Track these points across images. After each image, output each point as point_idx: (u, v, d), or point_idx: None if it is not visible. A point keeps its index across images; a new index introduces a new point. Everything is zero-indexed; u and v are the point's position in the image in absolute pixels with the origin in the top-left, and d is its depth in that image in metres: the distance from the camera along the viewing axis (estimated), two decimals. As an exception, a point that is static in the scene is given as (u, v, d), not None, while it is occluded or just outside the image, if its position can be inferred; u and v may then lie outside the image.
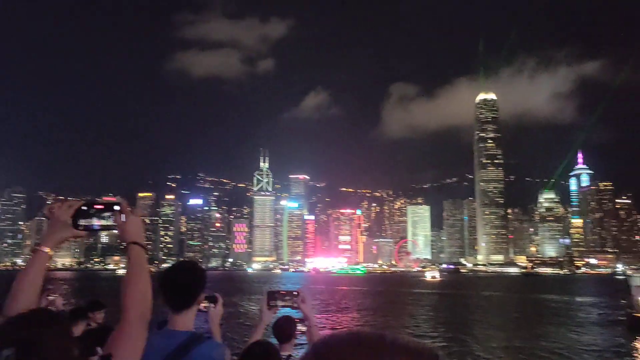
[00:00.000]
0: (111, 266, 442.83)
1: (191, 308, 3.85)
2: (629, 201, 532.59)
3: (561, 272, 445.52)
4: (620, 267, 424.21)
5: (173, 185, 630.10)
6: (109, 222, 3.03)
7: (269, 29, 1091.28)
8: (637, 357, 50.36)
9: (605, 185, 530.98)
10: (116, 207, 3.02)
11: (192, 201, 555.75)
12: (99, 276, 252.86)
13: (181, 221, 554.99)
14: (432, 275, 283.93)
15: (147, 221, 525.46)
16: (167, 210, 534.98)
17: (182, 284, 3.81)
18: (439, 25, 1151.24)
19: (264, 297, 4.68)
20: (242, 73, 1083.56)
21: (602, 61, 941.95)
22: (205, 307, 4.65)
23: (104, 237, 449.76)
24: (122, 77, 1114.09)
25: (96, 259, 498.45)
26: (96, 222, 3.03)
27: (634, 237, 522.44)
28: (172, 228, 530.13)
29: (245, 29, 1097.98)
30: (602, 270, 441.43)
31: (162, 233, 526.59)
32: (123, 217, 3.00)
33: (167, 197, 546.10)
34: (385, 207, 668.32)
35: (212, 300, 4.84)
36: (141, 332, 2.67)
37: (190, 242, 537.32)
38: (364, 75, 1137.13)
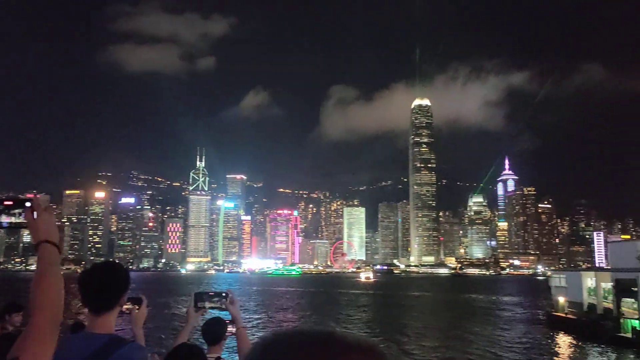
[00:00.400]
0: (34, 267, 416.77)
1: (112, 310, 3.67)
2: (550, 206, 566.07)
3: (487, 273, 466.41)
4: (540, 268, 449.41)
5: (103, 182, 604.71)
6: (19, 220, 2.90)
7: (211, 26, 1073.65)
8: (557, 352, 53.84)
9: (529, 191, 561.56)
10: (27, 204, 2.89)
11: (124, 199, 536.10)
12: (19, 277, 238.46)
13: (111, 220, 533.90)
14: (366, 276, 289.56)
15: (74, 220, 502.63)
16: (97, 208, 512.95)
17: (103, 284, 3.63)
18: (380, 30, 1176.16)
19: (191, 298, 4.63)
20: (181, 70, 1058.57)
21: (529, 72, 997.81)
22: (128, 309, 4.48)
23: (26, 236, 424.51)
24: (52, 68, 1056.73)
25: (17, 259, 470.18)
26: (5, 219, 2.93)
27: (554, 240, 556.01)
28: (101, 227, 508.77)
29: (186, 24, 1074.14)
30: (525, 271, 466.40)
31: (90, 232, 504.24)
32: (35, 215, 2.85)
33: (97, 195, 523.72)
34: (322, 209, 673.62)
35: (137, 302, 4.66)
36: (50, 335, 2.55)
37: (121, 242, 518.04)
38: (305, 77, 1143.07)
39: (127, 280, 3.77)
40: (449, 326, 72.08)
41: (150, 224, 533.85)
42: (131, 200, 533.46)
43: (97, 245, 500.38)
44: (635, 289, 55.62)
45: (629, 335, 53.82)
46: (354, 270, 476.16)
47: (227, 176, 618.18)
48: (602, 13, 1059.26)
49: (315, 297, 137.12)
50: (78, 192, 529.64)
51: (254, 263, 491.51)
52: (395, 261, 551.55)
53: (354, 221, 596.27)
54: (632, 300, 57.11)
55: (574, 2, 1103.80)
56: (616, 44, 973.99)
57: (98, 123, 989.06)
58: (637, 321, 53.80)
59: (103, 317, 3.61)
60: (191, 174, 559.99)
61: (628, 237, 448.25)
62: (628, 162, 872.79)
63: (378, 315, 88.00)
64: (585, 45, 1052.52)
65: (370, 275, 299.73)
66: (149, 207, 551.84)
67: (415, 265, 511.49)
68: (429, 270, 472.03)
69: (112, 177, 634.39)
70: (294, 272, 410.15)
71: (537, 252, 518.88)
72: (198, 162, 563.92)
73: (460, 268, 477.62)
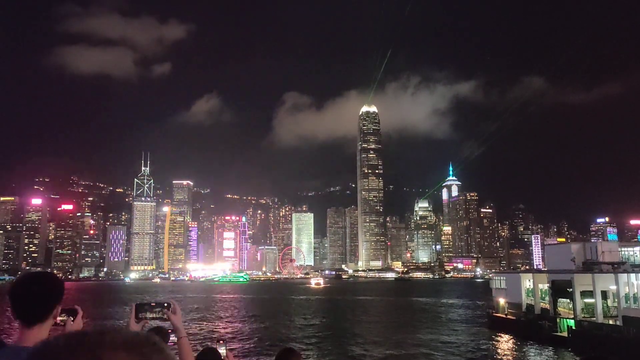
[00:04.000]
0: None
1: (45, 322, 3.49)
2: (491, 211, 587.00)
3: (431, 276, 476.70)
4: (479, 271, 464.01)
5: (41, 189, 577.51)
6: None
7: (167, 30, 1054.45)
8: (498, 352, 55.60)
9: (471, 196, 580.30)
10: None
11: (63, 206, 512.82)
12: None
13: (49, 228, 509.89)
14: (316, 282, 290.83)
15: (9, 228, 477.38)
16: (33, 216, 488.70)
17: (35, 295, 3.44)
18: (334, 39, 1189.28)
19: (132, 309, 4.61)
20: (135, 74, 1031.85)
21: (475, 82, 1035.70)
22: (62, 321, 4.30)
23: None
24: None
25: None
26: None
27: (495, 243, 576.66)
28: (38, 236, 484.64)
29: (141, 28, 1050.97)
30: (468, 274, 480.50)
31: (26, 241, 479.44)
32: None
33: (33, 201, 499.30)
34: (271, 215, 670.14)
35: (71, 313, 4.50)
36: None
37: (60, 251, 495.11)
38: (258, 83, 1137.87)
39: (60, 290, 3.62)
40: (395, 328, 73.13)
41: (91, 232, 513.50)
42: (70, 207, 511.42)
43: (33, 255, 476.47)
44: (570, 290, 58.33)
45: (565, 334, 56.28)
46: (302, 276, 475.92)
47: (174, 182, 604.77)
48: (542, 29, 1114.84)
49: (267, 304, 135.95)
50: (12, 198, 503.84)
51: (201, 270, 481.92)
52: (343, 266, 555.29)
53: (302, 227, 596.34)
54: (568, 300, 59.84)
55: (517, 18, 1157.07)
56: (556, 58, 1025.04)
57: (38, 126, 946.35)
58: (572, 321, 56.39)
59: (35, 329, 3.45)
60: (135, 179, 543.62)
61: (563, 239, 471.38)
62: (563, 169, 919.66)
63: (328, 319, 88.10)
64: (527, 59, 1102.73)
65: (321, 281, 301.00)
66: (89, 214, 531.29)
67: (363, 270, 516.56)
68: (377, 275, 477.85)
69: (50, 182, 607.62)
70: (241, 279, 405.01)
71: (479, 256, 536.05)
72: (143, 168, 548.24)
73: (407, 272, 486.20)
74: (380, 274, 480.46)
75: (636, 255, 65.25)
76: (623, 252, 65.61)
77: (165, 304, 4.65)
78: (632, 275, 51.85)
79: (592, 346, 49.09)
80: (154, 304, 4.64)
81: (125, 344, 1.18)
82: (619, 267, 57.63)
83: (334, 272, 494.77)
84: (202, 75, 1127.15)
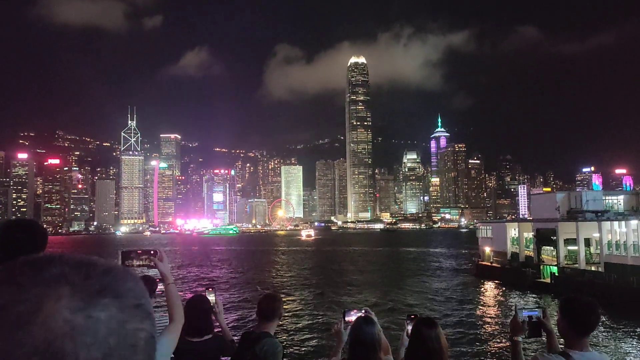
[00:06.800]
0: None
1: None
2: (479, 161, 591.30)
3: (419, 227, 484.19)
4: (463, 221, 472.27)
5: (26, 143, 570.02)
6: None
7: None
8: (483, 298, 57.32)
9: (460, 147, 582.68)
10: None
11: (50, 161, 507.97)
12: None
13: (37, 183, 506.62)
14: (307, 234, 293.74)
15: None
16: (20, 170, 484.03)
17: (18, 240, 3.54)
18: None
19: (118, 257, 4.58)
20: (125, 26, 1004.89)
21: (468, 33, 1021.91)
22: None
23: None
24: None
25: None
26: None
27: (482, 194, 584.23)
28: (25, 190, 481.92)
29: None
30: (455, 224, 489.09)
31: (14, 196, 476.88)
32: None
33: (19, 156, 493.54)
34: (260, 168, 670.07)
35: None
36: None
37: (48, 205, 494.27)
38: (250, 36, 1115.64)
39: (43, 238, 3.72)
40: (384, 276, 74.80)
41: (80, 186, 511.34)
42: (57, 161, 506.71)
43: (22, 209, 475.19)
44: (554, 238, 59.67)
45: (548, 280, 58.00)
46: (292, 228, 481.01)
47: (161, 135, 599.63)
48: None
49: (256, 255, 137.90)
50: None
51: (191, 223, 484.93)
52: (332, 218, 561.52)
53: (291, 179, 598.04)
54: (551, 248, 61.30)
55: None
56: (551, 8, 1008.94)
57: (22, 80, 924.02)
58: (555, 267, 57.99)
59: None
60: (122, 133, 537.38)
61: (549, 189, 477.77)
62: (551, 119, 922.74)
63: (319, 269, 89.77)
64: (522, 8, 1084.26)
65: (312, 232, 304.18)
66: (77, 168, 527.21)
67: (352, 222, 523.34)
68: (365, 226, 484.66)
69: (35, 137, 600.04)
70: (231, 232, 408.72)
71: (465, 206, 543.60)
72: (129, 122, 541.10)
73: (395, 223, 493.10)
74: (369, 225, 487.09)
75: (620, 204, 66.55)
76: (607, 201, 66.82)
77: (152, 251, 4.65)
78: (615, 223, 52.97)
79: (574, 291, 50.67)
80: (140, 252, 4.64)
81: (74, 262, 0.98)
82: (602, 215, 58.81)
83: (323, 224, 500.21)
84: (192, 27, 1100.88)
